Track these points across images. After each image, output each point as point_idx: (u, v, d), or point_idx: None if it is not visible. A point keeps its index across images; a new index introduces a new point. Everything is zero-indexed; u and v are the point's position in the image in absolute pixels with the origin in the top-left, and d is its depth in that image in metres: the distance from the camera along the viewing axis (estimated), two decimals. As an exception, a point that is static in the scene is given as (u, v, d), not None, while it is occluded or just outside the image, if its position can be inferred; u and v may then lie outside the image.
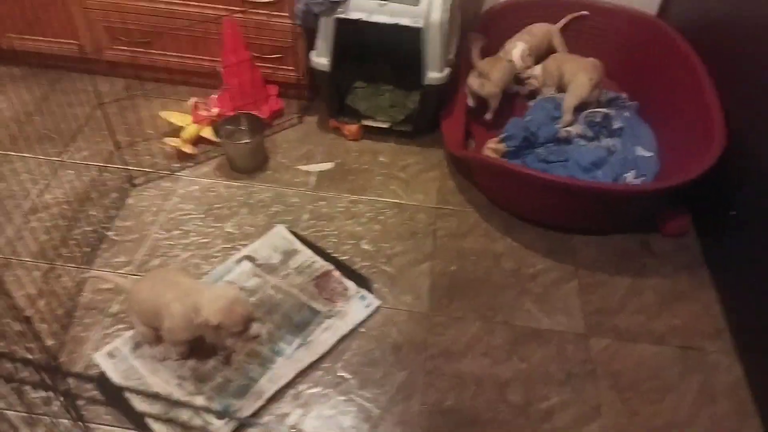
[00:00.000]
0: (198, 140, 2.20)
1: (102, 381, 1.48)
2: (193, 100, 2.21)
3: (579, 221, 2.00)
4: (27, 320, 1.47)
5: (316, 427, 1.45)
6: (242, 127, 2.16)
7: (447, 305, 1.76)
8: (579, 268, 1.90)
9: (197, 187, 2.08)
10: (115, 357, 1.53)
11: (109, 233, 1.89)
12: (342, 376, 1.56)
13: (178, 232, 1.91)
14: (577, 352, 1.67)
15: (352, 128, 2.31)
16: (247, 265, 1.79)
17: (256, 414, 1.46)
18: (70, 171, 2.09)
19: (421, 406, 1.51)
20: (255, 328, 1.39)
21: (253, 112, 2.19)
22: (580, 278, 1.87)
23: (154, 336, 1.49)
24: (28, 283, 1.71)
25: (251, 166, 2.14)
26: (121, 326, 1.62)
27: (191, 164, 2.16)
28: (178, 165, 2.14)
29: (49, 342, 1.57)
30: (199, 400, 1.45)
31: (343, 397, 1.52)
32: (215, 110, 2.22)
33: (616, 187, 1.94)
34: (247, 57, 2.14)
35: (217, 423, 1.41)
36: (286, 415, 1.47)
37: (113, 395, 1.45)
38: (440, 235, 1.97)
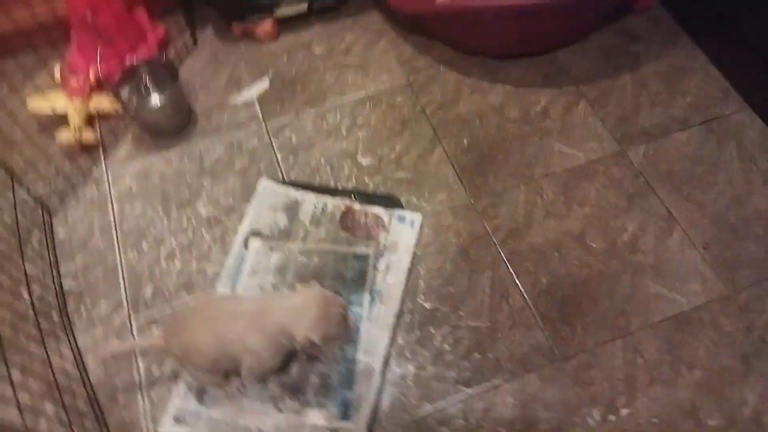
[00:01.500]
0: (92, 119, 1.68)
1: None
2: (58, 68, 1.63)
3: (562, 33, 1.81)
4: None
5: (439, 371, 1.31)
6: (145, 81, 1.65)
7: (483, 184, 1.59)
8: (579, 85, 1.76)
9: (129, 178, 1.62)
10: (185, 420, 1.25)
11: (66, 286, 1.45)
12: (432, 309, 1.40)
13: (148, 242, 1.51)
14: (624, 170, 1.60)
15: (265, 27, 1.86)
16: (256, 243, 1.47)
17: (379, 393, 1.29)
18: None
19: (522, 298, 1.40)
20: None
21: (145, 56, 1.66)
22: (586, 96, 1.74)
23: (223, 378, 1.21)
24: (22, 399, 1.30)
25: (179, 123, 1.69)
26: (164, 384, 1.31)
27: (102, 154, 1.66)
28: (90, 162, 1.64)
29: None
30: (313, 414, 1.24)
31: (447, 328, 1.37)
32: (90, 72, 1.66)
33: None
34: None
35: (347, 424, 1.22)
36: (405, 376, 1.31)
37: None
38: (431, 112, 1.72)
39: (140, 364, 1.33)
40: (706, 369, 1.31)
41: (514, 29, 1.71)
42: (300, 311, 1.09)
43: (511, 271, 1.45)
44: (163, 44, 1.83)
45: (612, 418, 1.26)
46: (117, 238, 1.51)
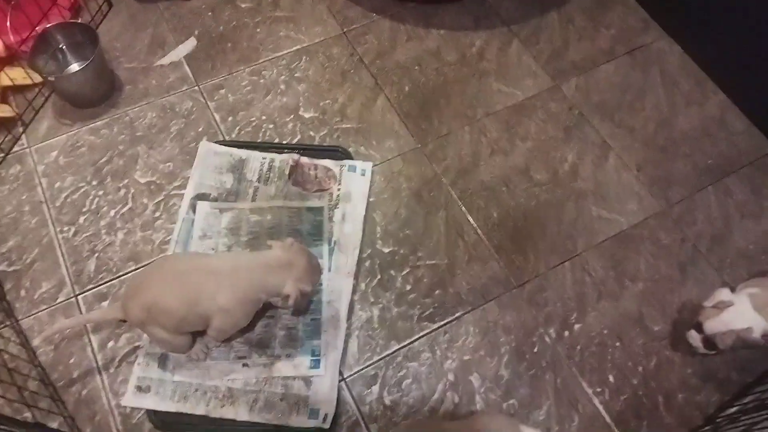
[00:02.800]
0: (6, 93, 1.55)
1: (158, 420, 1.18)
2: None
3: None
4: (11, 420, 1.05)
5: (403, 311, 1.33)
6: (62, 47, 1.53)
7: (429, 127, 1.60)
8: (510, 25, 1.80)
9: (56, 152, 1.52)
10: (148, 389, 1.21)
11: (1, 269, 1.36)
12: (391, 252, 1.41)
13: (85, 216, 1.43)
14: (559, 104, 1.66)
15: (185, -16, 1.75)
16: (204, 206, 1.43)
17: (348, 339, 1.30)
18: None
19: (476, 233, 1.44)
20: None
21: (58, 21, 1.54)
22: (518, 35, 1.78)
23: (191, 341, 1.18)
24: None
25: (103, 90, 1.59)
26: (123, 353, 1.26)
27: (22, 128, 1.54)
28: (9, 137, 1.52)
29: (55, 424, 1.17)
30: (282, 366, 1.24)
31: (407, 269, 1.39)
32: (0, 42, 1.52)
33: None
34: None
35: (318, 371, 1.23)
36: (370, 319, 1.33)
37: (180, 424, 1.18)
38: (370, 61, 1.71)
39: (92, 339, 1.27)
40: (648, 280, 1.41)
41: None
42: (285, 266, 1.08)
43: (463, 208, 1.48)
44: (76, 8, 1.70)
45: (566, 334, 1.33)
46: (50, 215, 1.42)
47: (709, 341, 1.19)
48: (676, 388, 1.28)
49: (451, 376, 1.27)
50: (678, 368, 1.30)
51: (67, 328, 1.21)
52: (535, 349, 1.31)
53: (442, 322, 1.33)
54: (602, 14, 1.83)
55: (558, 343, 1.32)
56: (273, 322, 1.29)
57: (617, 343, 1.32)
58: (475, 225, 1.46)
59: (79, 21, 1.65)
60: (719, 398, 1.27)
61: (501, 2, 1.84)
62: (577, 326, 1.34)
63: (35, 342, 1.12)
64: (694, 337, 1.23)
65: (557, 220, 1.47)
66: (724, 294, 1.20)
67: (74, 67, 1.56)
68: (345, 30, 1.76)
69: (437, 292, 1.37)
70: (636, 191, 1.53)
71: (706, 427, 1.21)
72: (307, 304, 1.27)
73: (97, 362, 1.24)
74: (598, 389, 1.27)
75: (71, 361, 1.24)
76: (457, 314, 1.34)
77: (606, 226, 1.47)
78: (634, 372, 1.29)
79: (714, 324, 1.17)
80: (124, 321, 1.19)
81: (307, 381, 1.23)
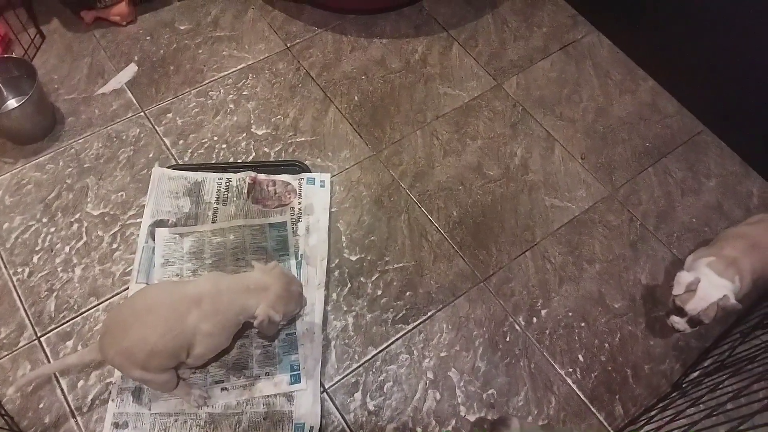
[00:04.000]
0: (-62, 136, 1.47)
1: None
2: None
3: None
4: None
5: (377, 316, 1.35)
6: (-4, 85, 1.48)
7: (382, 135, 1.63)
8: (449, 30, 1.86)
9: (0, 192, 1.45)
10: (126, 425, 1.18)
11: (-50, 319, 1.28)
12: (358, 260, 1.43)
13: (38, 255, 1.37)
14: (503, 102, 1.73)
15: (120, 9, 1.73)
16: (164, 233, 1.40)
17: (325, 350, 1.30)
18: None
19: (439, 233, 1.48)
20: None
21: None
22: (457, 39, 1.84)
23: (176, 376, 1.14)
24: None
25: (44, 124, 1.54)
26: (95, 391, 1.21)
27: (-41, 171, 1.47)
28: (-55, 183, 1.44)
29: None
30: (262, 386, 1.23)
31: (376, 275, 1.41)
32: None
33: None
34: None
35: (299, 386, 1.23)
36: (345, 328, 1.34)
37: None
38: (317, 74, 1.72)
39: (61, 381, 1.22)
40: (603, 261, 1.48)
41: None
42: (261, 289, 1.07)
43: (424, 210, 1.51)
44: (7, 42, 1.64)
45: (534, 320, 1.38)
46: (1, 257, 1.36)
47: (693, 320, 1.23)
48: (642, 360, 1.35)
49: (430, 374, 1.29)
50: (641, 341, 1.37)
51: (43, 375, 1.14)
52: (507, 338, 1.35)
53: (416, 323, 1.35)
54: (533, 14, 1.92)
55: (528, 330, 1.37)
56: (248, 342, 1.28)
57: (582, 324, 1.39)
58: (437, 225, 1.49)
59: (13, 55, 1.59)
60: (682, 365, 1.35)
61: (437, 8, 1.90)
62: (543, 312, 1.40)
63: (9, 392, 1.06)
64: (678, 322, 1.25)
65: (514, 212, 1.53)
66: (686, 276, 1.23)
67: (12, 102, 1.51)
68: (288, 45, 1.77)
69: (408, 293, 1.39)
70: (583, 178, 1.60)
71: (674, 393, 1.28)
72: (274, 331, 1.21)
73: (69, 404, 1.20)
74: (570, 369, 1.33)
75: (41, 405, 1.19)
76: (429, 313, 1.37)
77: (559, 213, 1.54)
78: (601, 349, 1.36)
79: (694, 304, 1.21)
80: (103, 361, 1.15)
81: (289, 397, 1.22)
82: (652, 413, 1.22)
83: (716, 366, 1.28)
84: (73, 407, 1.19)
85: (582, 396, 1.30)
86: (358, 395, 1.26)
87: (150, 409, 1.19)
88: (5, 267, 1.34)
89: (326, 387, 1.26)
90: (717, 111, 1.68)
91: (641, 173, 1.62)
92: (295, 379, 1.24)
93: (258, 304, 1.07)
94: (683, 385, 1.29)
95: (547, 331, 1.37)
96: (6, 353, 1.24)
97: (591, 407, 1.29)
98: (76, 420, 1.18)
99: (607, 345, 1.36)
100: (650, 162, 1.64)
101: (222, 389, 1.22)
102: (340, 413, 1.24)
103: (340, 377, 1.27)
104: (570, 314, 1.40)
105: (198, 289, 1.07)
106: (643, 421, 1.21)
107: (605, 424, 1.27)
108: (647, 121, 1.72)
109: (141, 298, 1.08)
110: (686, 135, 1.70)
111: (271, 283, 1.08)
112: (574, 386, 1.31)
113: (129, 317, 1.05)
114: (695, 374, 1.30)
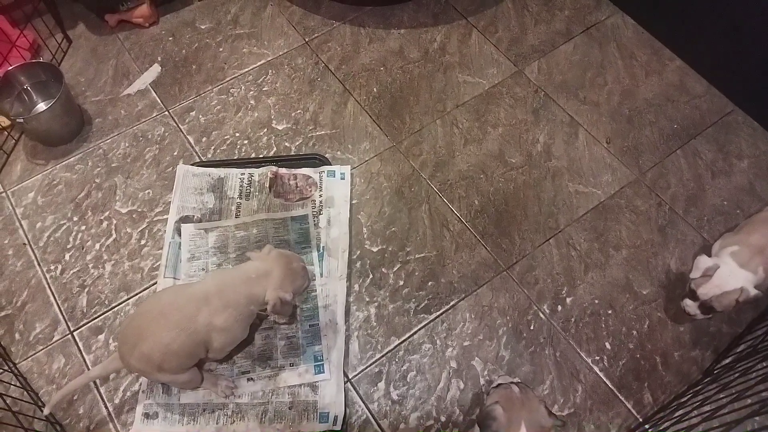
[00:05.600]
0: (-26, 141, 1.54)
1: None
2: None
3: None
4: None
5: (399, 306, 1.35)
6: (26, 88, 1.53)
7: (401, 125, 1.63)
8: (467, 17, 1.84)
9: (32, 193, 1.51)
10: (156, 415, 1.21)
11: (-10, 315, 1.34)
12: (380, 251, 1.43)
13: (70, 253, 1.42)
14: (525, 88, 1.70)
15: (142, 11, 1.77)
16: (189, 228, 1.43)
17: (348, 340, 1.31)
18: None
19: (460, 222, 1.47)
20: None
21: (19, 63, 1.53)
22: (476, 26, 1.82)
23: (199, 374, 1.17)
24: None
25: (72, 126, 1.58)
26: (126, 383, 1.25)
27: (-5, 174, 1.53)
28: (-18, 185, 1.51)
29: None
30: (287, 376, 1.25)
31: (398, 265, 1.41)
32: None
33: None
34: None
35: (323, 376, 1.24)
36: (368, 319, 1.34)
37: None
38: (335, 67, 1.73)
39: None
40: (631, 247, 1.45)
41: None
42: (264, 275, 1.08)
43: (445, 200, 1.50)
44: (36, 47, 1.70)
45: (559, 308, 1.36)
46: (35, 255, 1.41)
47: (705, 306, 1.21)
48: (672, 347, 1.32)
49: (453, 364, 1.29)
50: (671, 328, 1.34)
51: (69, 392, 1.15)
52: (532, 327, 1.34)
53: (439, 312, 1.35)
54: (555, -3, 1.88)
55: (552, 318, 1.35)
56: (272, 333, 1.30)
57: (609, 311, 1.36)
58: (458, 214, 1.48)
59: (41, 60, 1.64)
60: (713, 351, 1.31)
61: (454, -8, 1.88)
62: (569, 300, 1.37)
63: (45, 411, 1.09)
64: (690, 305, 1.24)
65: (537, 199, 1.51)
66: (705, 261, 1.21)
67: (41, 106, 1.56)
68: (307, 39, 1.78)
69: (430, 283, 1.39)
70: (608, 163, 1.57)
71: (706, 380, 1.24)
72: (291, 310, 1.22)
73: (101, 395, 1.24)
74: (597, 357, 1.30)
75: (75, 397, 1.23)
76: (451, 303, 1.36)
77: (584, 200, 1.51)
78: (629, 336, 1.33)
79: (708, 289, 1.19)
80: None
81: (313, 387, 1.23)
82: (683, 399, 1.19)
83: (749, 351, 1.24)
84: (105, 398, 1.23)
85: (609, 384, 1.28)
86: (381, 385, 1.26)
87: (179, 400, 1.22)
88: (39, 265, 1.39)
89: (350, 377, 1.27)
90: (748, 90, 1.62)
91: (669, 156, 1.58)
92: (319, 370, 1.25)
93: (264, 291, 1.08)
94: (715, 372, 1.25)
95: (573, 319, 1.35)
96: (41, 347, 1.29)
97: (619, 395, 1.26)
98: (108, 410, 1.22)
99: (635, 332, 1.34)
100: (679, 144, 1.60)
101: (248, 379, 1.25)
102: (363, 402, 1.25)
103: (364, 367, 1.28)
104: (596, 301, 1.38)
105: (204, 288, 1.09)
106: (673, 407, 1.19)
107: (633, 412, 1.25)
108: (675, 103, 1.67)
109: (152, 304, 1.10)
110: (716, 115, 1.65)
111: (272, 266, 1.10)
112: (601, 374, 1.29)
113: (142, 323, 1.07)
114: (728, 360, 1.27)
